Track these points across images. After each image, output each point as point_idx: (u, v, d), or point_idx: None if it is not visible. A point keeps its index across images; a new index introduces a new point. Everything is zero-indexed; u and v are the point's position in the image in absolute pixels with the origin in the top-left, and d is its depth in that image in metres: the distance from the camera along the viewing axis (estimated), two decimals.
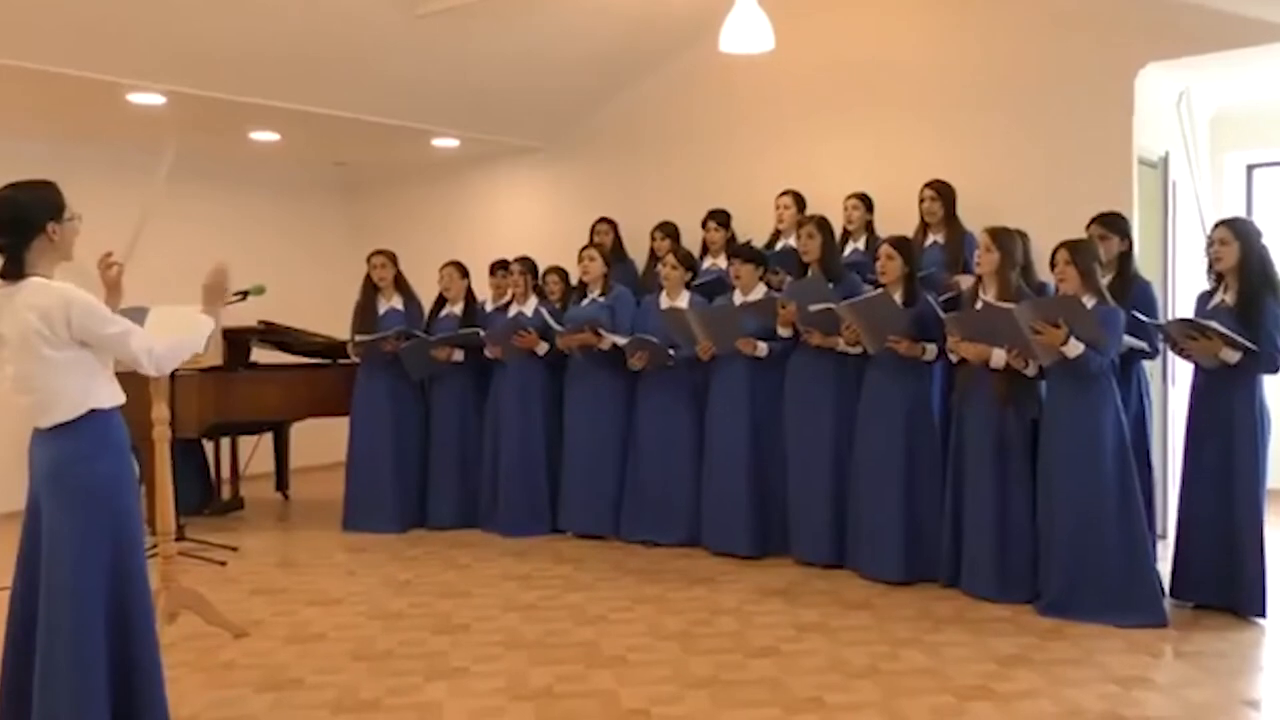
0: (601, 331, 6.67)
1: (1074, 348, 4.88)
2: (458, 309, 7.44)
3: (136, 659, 3.46)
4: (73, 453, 3.37)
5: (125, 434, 3.51)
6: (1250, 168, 8.21)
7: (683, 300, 6.60)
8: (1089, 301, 5.00)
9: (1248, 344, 4.86)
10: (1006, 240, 5.36)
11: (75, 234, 3.49)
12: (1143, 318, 5.23)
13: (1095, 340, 4.89)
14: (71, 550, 3.34)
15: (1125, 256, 5.60)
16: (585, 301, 7.04)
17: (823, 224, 6.23)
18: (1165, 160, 6.78)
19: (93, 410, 3.39)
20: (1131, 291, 5.44)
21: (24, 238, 3.36)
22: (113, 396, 3.47)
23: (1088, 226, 5.63)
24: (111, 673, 3.40)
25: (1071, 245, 5.13)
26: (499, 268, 7.55)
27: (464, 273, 7.48)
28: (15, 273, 3.36)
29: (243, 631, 5.06)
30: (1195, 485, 5.16)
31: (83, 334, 3.33)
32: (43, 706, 3.32)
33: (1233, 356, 4.91)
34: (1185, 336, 5.05)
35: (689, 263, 6.78)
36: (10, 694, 3.47)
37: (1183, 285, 6.75)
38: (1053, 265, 5.17)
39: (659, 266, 6.87)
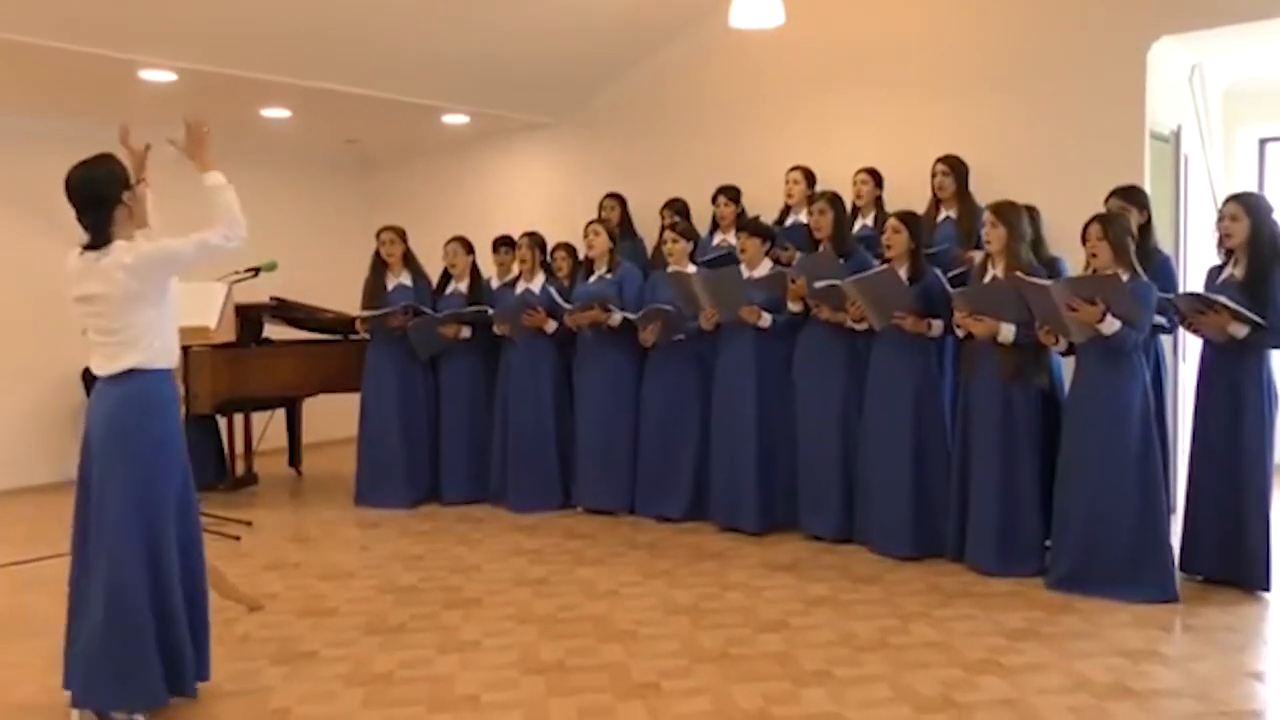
0: (610, 307, 6.68)
1: (1110, 325, 4.86)
2: (463, 285, 7.46)
3: (170, 612, 3.71)
4: (128, 407, 3.68)
5: (176, 394, 3.85)
6: (1262, 142, 8.16)
7: (689, 270, 6.60)
8: (1121, 276, 4.97)
9: (1256, 319, 4.86)
10: (1011, 214, 5.34)
11: (145, 195, 3.93)
12: (1158, 293, 5.22)
13: (1131, 316, 4.87)
14: (119, 503, 3.61)
15: (1144, 229, 5.57)
16: (592, 278, 7.05)
17: (834, 200, 6.22)
18: (1177, 134, 6.75)
19: (153, 367, 3.71)
20: (1151, 265, 5.43)
21: (106, 212, 3.69)
22: (172, 357, 3.81)
23: (1106, 199, 5.61)
24: (153, 624, 3.66)
25: (1104, 219, 5.10)
26: (502, 244, 7.56)
27: (469, 249, 7.49)
28: (102, 243, 3.67)
29: (257, 605, 5.11)
30: (1202, 459, 5.16)
31: (172, 268, 3.73)
32: (82, 642, 3.65)
33: (1241, 331, 4.90)
34: (1194, 311, 5.04)
35: (689, 233, 6.79)
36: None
37: (1194, 259, 6.73)
38: (1084, 240, 5.14)
39: (663, 243, 6.88)
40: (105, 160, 3.76)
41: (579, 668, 4.24)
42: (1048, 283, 5.02)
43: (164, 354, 3.76)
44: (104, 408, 3.71)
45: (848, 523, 6.06)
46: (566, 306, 6.88)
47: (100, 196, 3.68)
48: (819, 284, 5.86)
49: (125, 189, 3.74)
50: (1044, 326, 5.12)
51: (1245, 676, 4.08)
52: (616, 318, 6.71)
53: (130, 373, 3.68)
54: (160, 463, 3.72)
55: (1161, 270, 5.47)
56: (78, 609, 3.73)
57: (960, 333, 5.46)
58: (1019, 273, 5.20)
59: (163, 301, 3.75)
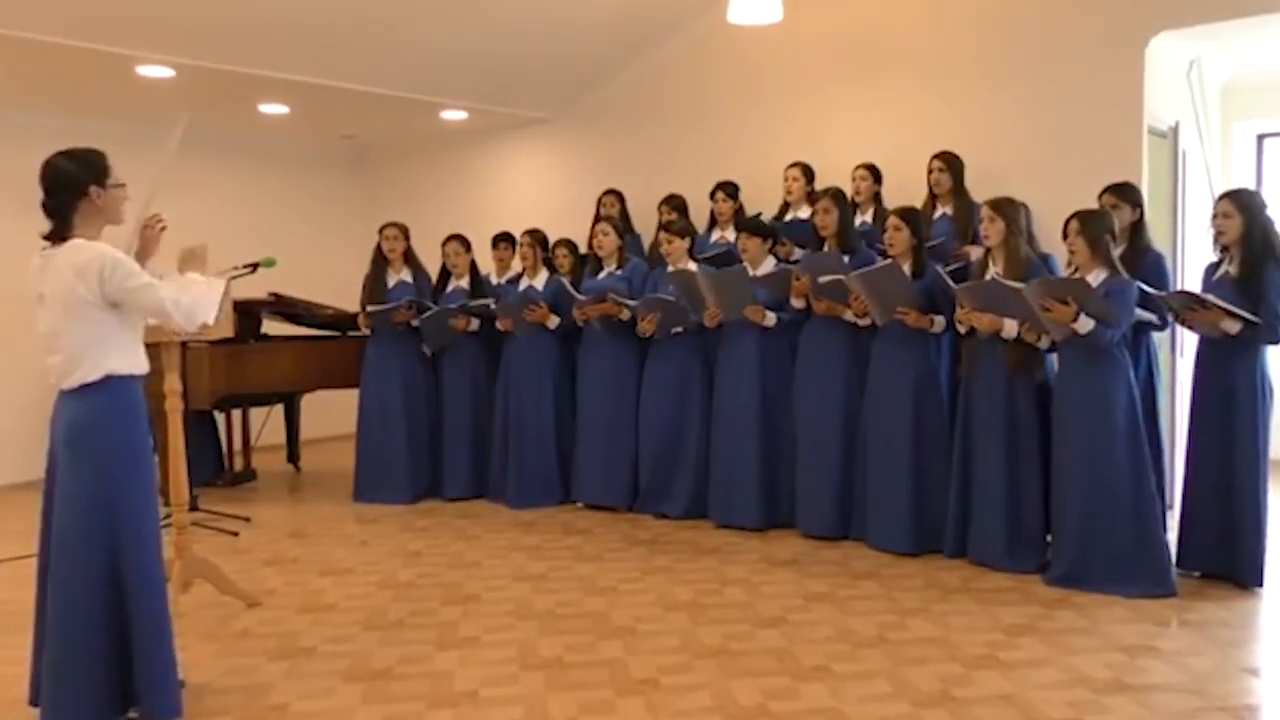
0: (621, 301, 6.67)
1: (1084, 324, 4.88)
2: (464, 282, 7.46)
3: (135, 633, 3.51)
4: (90, 418, 3.48)
5: (143, 404, 3.60)
6: (1260, 137, 8.17)
7: (690, 268, 6.59)
8: (1100, 274, 4.99)
9: (1247, 315, 4.87)
10: (1009, 209, 5.36)
11: (121, 200, 3.62)
12: (1149, 290, 5.23)
13: (1105, 315, 4.89)
14: (77, 516, 3.45)
15: (1137, 226, 5.60)
16: (601, 275, 7.04)
17: (838, 197, 6.20)
18: (1175, 130, 6.75)
19: (113, 375, 3.50)
20: (1143, 262, 5.44)
21: (68, 200, 3.50)
22: (135, 365, 3.59)
23: (1099, 196, 5.62)
24: (108, 642, 3.49)
25: (1082, 216, 5.12)
26: (501, 240, 7.56)
27: (467, 247, 7.49)
28: (60, 234, 3.50)
29: (256, 601, 5.11)
30: (1198, 455, 5.18)
31: (115, 291, 3.45)
32: (49, 663, 3.48)
33: (1234, 327, 4.91)
34: (1186, 308, 5.05)
35: (684, 231, 6.75)
36: (41, 646, 3.62)
37: (1192, 256, 6.74)
38: (1065, 236, 5.16)
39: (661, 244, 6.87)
40: (87, 151, 3.56)
41: (578, 664, 4.24)
42: (1020, 285, 5.04)
43: (117, 361, 3.51)
44: (64, 423, 3.50)
45: (844, 523, 6.06)
46: (580, 297, 6.87)
47: (67, 183, 3.50)
48: (824, 278, 5.86)
49: (95, 183, 3.51)
50: (1025, 324, 5.14)
51: (1242, 671, 4.09)
52: (628, 312, 6.70)
53: (90, 385, 3.47)
54: (125, 477, 3.50)
55: (1153, 268, 5.49)
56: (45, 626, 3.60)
57: (962, 329, 5.46)
58: (1017, 267, 5.23)
59: (118, 309, 3.50)
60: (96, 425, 3.48)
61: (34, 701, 3.65)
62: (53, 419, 3.58)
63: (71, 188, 3.50)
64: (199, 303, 3.66)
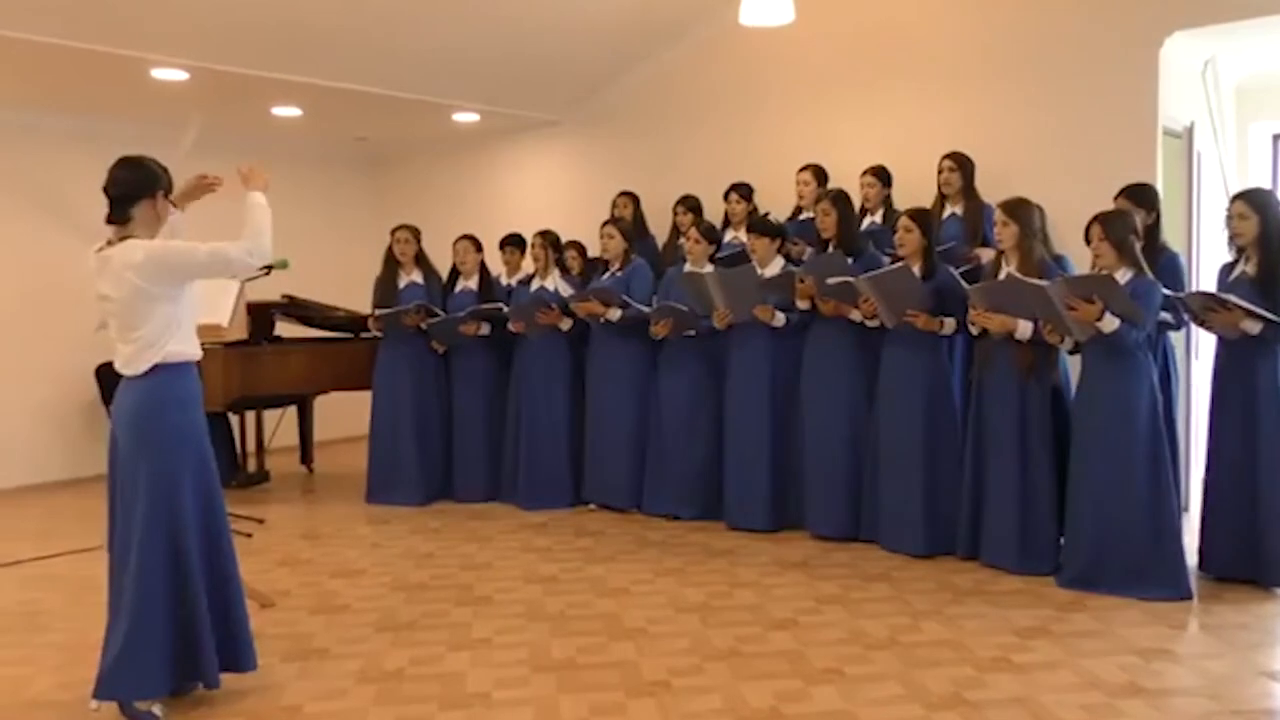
0: (609, 302, 6.67)
1: (1109, 323, 4.84)
2: (473, 283, 7.46)
3: (192, 604, 3.74)
4: (152, 400, 3.72)
5: (199, 387, 3.86)
6: (1276, 137, 8.13)
7: (705, 270, 6.57)
8: (1126, 274, 4.96)
9: (1268, 315, 4.84)
10: (1022, 211, 5.32)
11: (166, 218, 3.88)
12: (1166, 290, 5.20)
13: (1131, 314, 4.86)
14: (142, 497, 3.67)
15: (1152, 228, 5.57)
16: (605, 276, 7.05)
17: (837, 199, 6.18)
18: (1190, 130, 6.71)
19: (173, 361, 3.73)
20: (1158, 263, 5.41)
21: (127, 206, 3.75)
22: (195, 350, 3.84)
23: (1115, 198, 5.59)
24: (172, 615, 3.71)
25: (1105, 219, 5.07)
26: (508, 243, 7.56)
27: (478, 247, 7.49)
28: (118, 219, 3.74)
29: (269, 602, 5.13)
30: (1219, 457, 5.14)
31: (184, 273, 3.72)
32: (111, 636, 3.71)
33: (1254, 327, 4.88)
34: (1205, 309, 5.03)
35: (711, 236, 6.75)
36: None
37: (1207, 256, 6.70)
38: (1088, 239, 5.12)
39: (682, 240, 6.87)
40: (155, 162, 3.83)
41: (590, 665, 4.24)
42: (1043, 284, 5.01)
43: (184, 349, 3.77)
44: (126, 405, 3.75)
45: (854, 524, 6.04)
46: (563, 295, 6.88)
47: (134, 181, 3.75)
48: (833, 280, 5.84)
49: (160, 188, 3.79)
50: (1048, 325, 5.11)
51: (1260, 675, 4.06)
52: (614, 314, 6.69)
53: (154, 370, 3.71)
54: (182, 455, 3.74)
55: (1168, 268, 5.47)
56: (115, 608, 3.78)
57: (975, 330, 5.44)
58: (1031, 270, 5.20)
59: (179, 298, 3.75)
60: (160, 407, 3.72)
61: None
62: (114, 408, 3.81)
63: (133, 195, 3.74)
64: (259, 241, 3.81)
